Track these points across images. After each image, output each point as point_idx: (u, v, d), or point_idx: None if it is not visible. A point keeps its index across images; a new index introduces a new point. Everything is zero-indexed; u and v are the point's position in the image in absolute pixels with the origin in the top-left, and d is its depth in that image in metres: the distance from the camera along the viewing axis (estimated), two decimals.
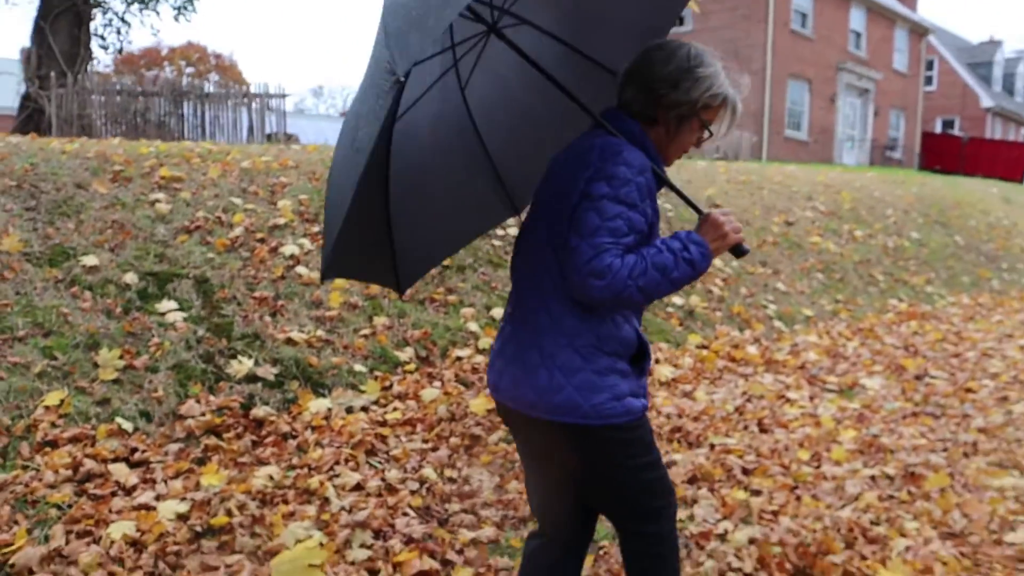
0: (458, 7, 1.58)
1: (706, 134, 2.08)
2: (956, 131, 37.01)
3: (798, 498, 3.75)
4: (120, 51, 16.02)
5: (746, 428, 4.54)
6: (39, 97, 12.93)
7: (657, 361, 5.28)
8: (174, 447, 3.40)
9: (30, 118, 13.14)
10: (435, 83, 2.24)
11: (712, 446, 4.20)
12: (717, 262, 7.16)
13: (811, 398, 5.28)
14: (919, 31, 31.82)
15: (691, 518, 3.42)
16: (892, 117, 30.82)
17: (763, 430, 4.58)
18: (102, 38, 15.50)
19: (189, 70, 48.94)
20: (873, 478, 4.07)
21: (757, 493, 3.75)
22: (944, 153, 31.00)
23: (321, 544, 2.84)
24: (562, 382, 1.92)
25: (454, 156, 2.46)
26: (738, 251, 2.04)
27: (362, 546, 2.91)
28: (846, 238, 9.37)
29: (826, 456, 4.29)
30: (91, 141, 6.66)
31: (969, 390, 5.84)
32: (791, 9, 24.54)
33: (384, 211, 2.30)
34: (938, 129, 37.65)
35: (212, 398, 3.74)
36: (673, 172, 9.06)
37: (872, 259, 9.10)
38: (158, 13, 15.32)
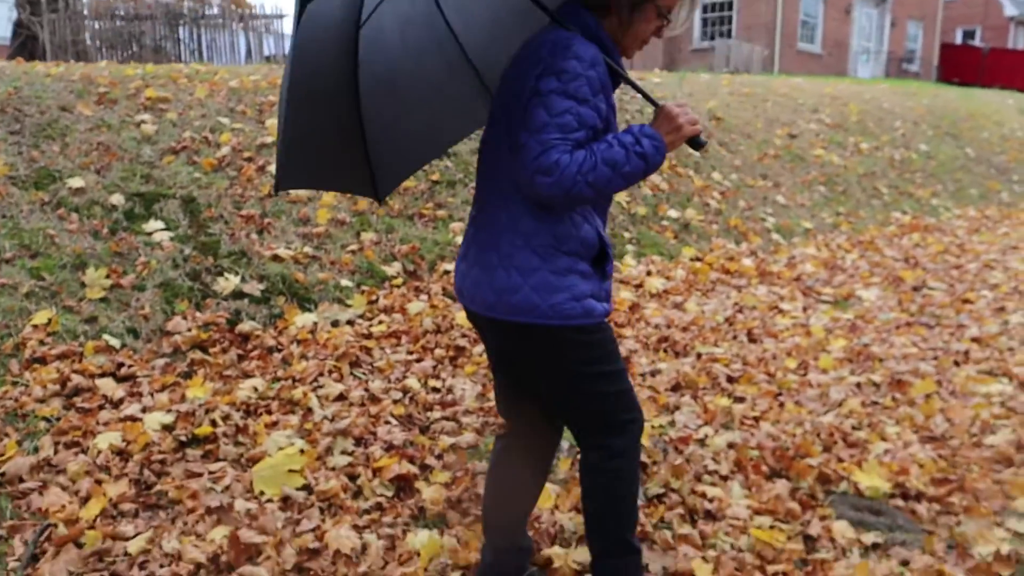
0: None
1: (664, 23, 2.00)
2: (977, 42, 35.90)
3: (781, 405, 3.79)
4: None
5: (735, 338, 4.55)
6: (31, 23, 12.72)
7: (649, 273, 5.27)
8: (160, 362, 3.45)
9: (23, 45, 12.95)
10: None
11: (699, 355, 4.23)
12: (715, 175, 7.08)
13: (804, 309, 5.28)
14: None
15: (672, 424, 3.46)
16: (910, 28, 29.89)
17: (752, 340, 4.60)
18: None
19: None
20: (859, 385, 4.09)
21: (740, 400, 3.78)
22: (963, 65, 30.12)
23: (302, 451, 2.90)
24: (519, 282, 1.91)
25: (427, 58, 2.39)
26: (695, 143, 1.99)
27: (343, 453, 2.98)
28: (851, 151, 9.21)
29: (813, 364, 4.31)
30: (77, 65, 6.58)
31: (967, 301, 5.82)
32: None
33: (356, 119, 2.27)
34: (958, 40, 36.51)
35: (199, 314, 3.78)
36: (674, 85, 8.89)
37: (877, 172, 8.96)
38: None
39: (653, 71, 11.24)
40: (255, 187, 4.77)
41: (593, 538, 2.17)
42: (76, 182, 4.40)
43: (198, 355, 3.53)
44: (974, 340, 4.96)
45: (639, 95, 2.09)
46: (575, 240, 1.93)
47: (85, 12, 12.87)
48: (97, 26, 12.66)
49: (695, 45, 24.58)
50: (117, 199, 4.37)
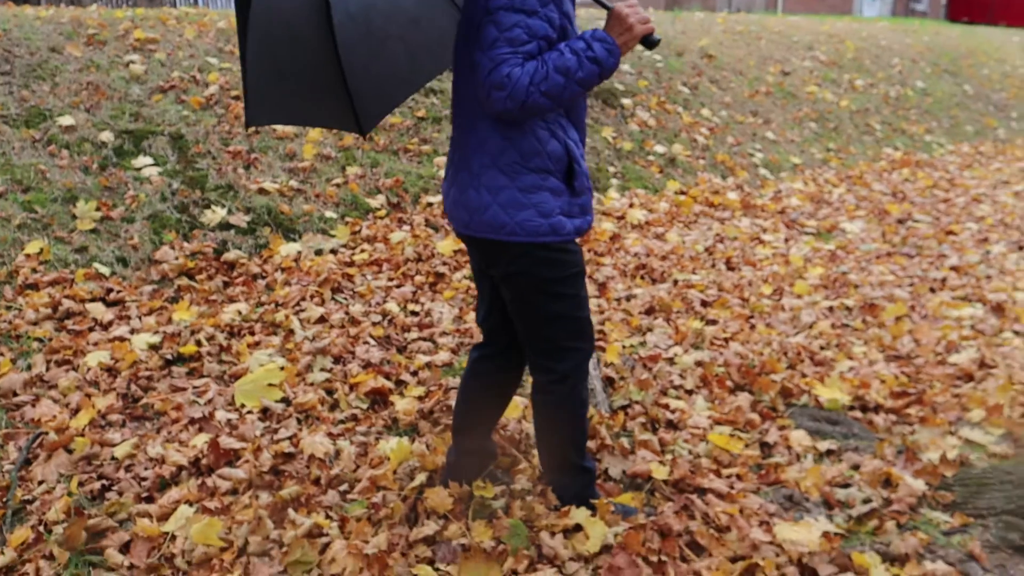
0: None
1: None
2: None
3: (752, 327, 3.90)
4: None
5: (713, 266, 4.65)
6: None
7: (632, 206, 5.35)
8: (148, 288, 3.58)
9: None
10: None
11: (676, 282, 4.33)
12: (704, 112, 7.10)
13: (786, 240, 5.36)
14: None
15: (643, 344, 3.58)
16: None
17: (730, 268, 4.69)
18: None
19: None
20: (831, 309, 4.20)
21: (713, 323, 3.90)
22: (972, 3, 29.53)
23: (282, 368, 3.04)
24: (488, 200, 1.99)
25: None
26: (648, 42, 2.00)
27: (322, 370, 3.12)
28: (845, 87, 9.18)
29: (789, 290, 4.40)
30: (67, 8, 6.60)
31: (951, 232, 5.88)
32: None
33: (333, 58, 2.32)
34: None
35: (186, 244, 3.90)
36: (667, 23, 8.84)
37: (871, 108, 8.94)
38: None
39: (648, 9, 11.13)
40: (242, 124, 4.85)
41: (542, 454, 2.30)
42: (66, 120, 4.48)
43: (185, 282, 3.66)
44: (953, 268, 5.05)
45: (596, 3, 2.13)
46: (541, 156, 1.98)
47: None
48: None
49: None
50: (107, 136, 4.46)
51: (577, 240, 2.13)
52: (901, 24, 14.60)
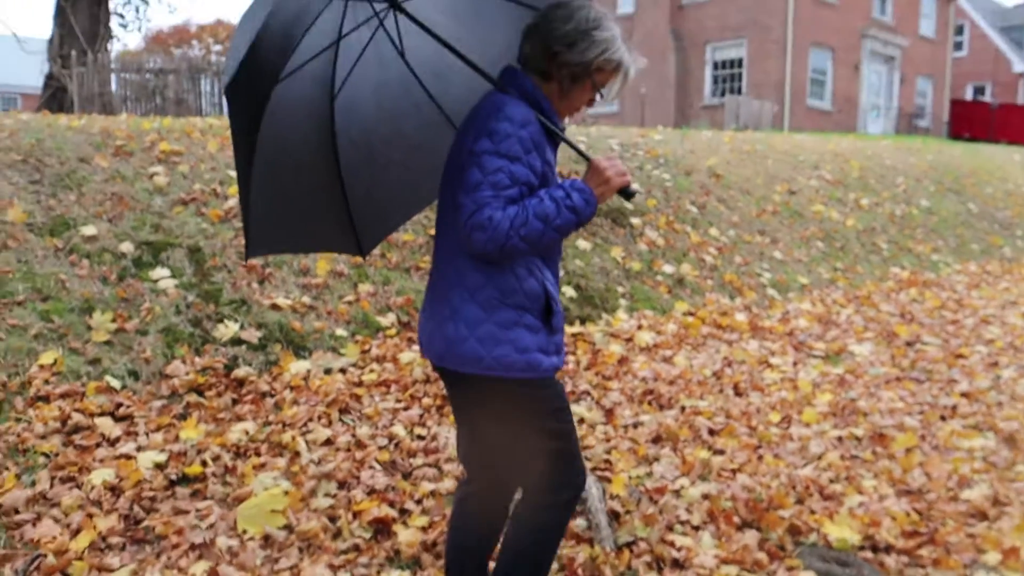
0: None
1: (598, 96, 2.14)
2: (987, 97, 36.19)
3: (760, 457, 3.87)
4: (140, 29, 16.32)
5: (721, 391, 4.65)
6: (61, 76, 13.21)
7: (640, 327, 5.39)
8: (158, 403, 3.60)
9: (53, 97, 13.44)
10: (360, 56, 2.35)
11: (683, 408, 4.32)
12: (712, 231, 7.22)
13: (794, 363, 5.36)
14: None
15: (649, 475, 3.56)
16: (920, 84, 30.24)
17: (738, 393, 4.68)
18: (121, 16, 15.74)
19: (217, 47, 49.34)
20: (840, 439, 4.16)
21: (720, 452, 3.87)
22: (973, 120, 30.38)
23: (286, 492, 3.02)
24: (465, 333, 2.02)
25: (404, 120, 2.54)
26: (626, 194, 2.09)
27: (326, 495, 3.10)
28: (851, 207, 9.35)
29: (797, 418, 4.38)
30: (98, 117, 6.87)
31: (960, 356, 5.87)
32: None
33: (336, 184, 2.44)
34: (969, 96, 36.83)
35: (197, 359, 3.94)
36: (676, 142, 9.10)
37: (877, 227, 9.08)
38: None
39: (657, 127, 11.47)
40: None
41: (501, 563, 2.21)
42: (89, 230, 4.61)
43: (194, 398, 3.68)
44: (963, 395, 5.02)
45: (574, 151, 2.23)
46: (519, 293, 2.03)
47: (112, 66, 13.35)
48: (123, 78, 13.11)
49: (706, 101, 24.99)
50: (127, 247, 4.57)
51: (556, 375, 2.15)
52: (905, 142, 14.97)
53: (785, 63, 23.48)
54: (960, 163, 13.12)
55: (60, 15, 13.64)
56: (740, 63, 24.46)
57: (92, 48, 13.34)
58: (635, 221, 6.73)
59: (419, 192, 2.72)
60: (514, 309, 2.03)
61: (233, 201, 5.24)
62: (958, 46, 36.51)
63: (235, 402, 3.74)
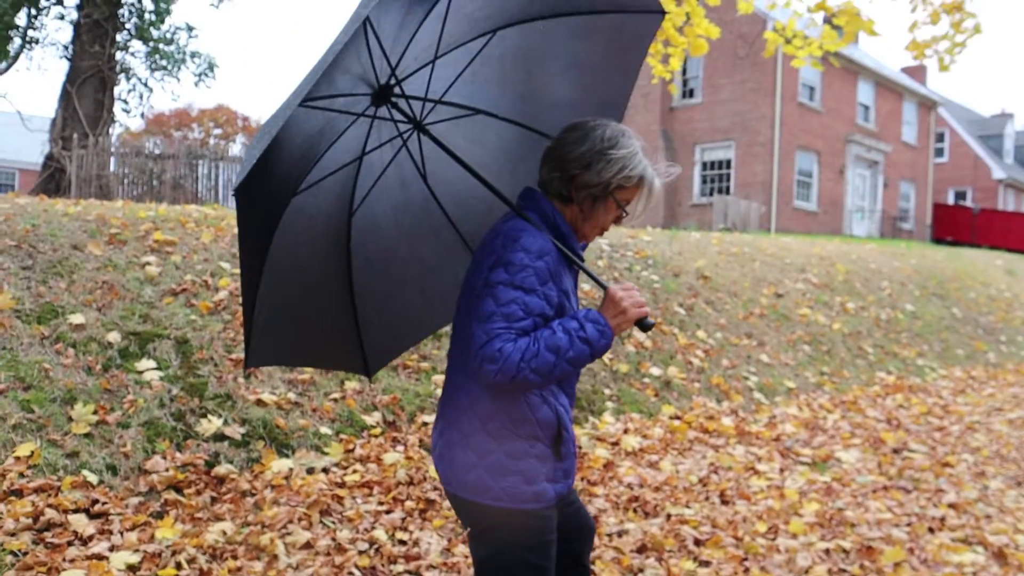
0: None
1: (624, 213, 2.11)
2: (968, 202, 37.16)
3: (746, 570, 3.80)
4: (142, 115, 16.70)
5: (707, 499, 4.59)
6: (61, 157, 13.43)
7: (626, 431, 5.36)
8: (135, 500, 3.53)
9: (52, 177, 13.64)
10: (382, 174, 2.36)
11: (668, 516, 4.26)
12: (700, 333, 7.27)
13: (781, 470, 5.32)
14: (928, 104, 32.25)
15: None
16: (903, 188, 31.04)
17: (725, 501, 4.63)
18: (125, 102, 16.11)
19: (217, 131, 50.32)
20: (828, 551, 4.10)
21: (706, 564, 3.80)
22: (955, 224, 31.17)
23: None
24: (474, 461, 2.00)
25: (422, 242, 2.53)
26: (643, 325, 2.04)
27: None
28: (837, 310, 9.45)
29: (784, 528, 4.32)
30: (95, 203, 6.94)
31: (947, 464, 5.85)
32: (799, 83, 25.04)
33: (348, 301, 2.43)
34: (951, 200, 37.82)
35: (178, 455, 3.88)
36: (664, 243, 9.24)
37: (863, 331, 9.16)
38: (179, 80, 15.95)
39: (646, 228, 11.67)
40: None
41: None
42: (77, 318, 4.60)
43: (172, 495, 3.61)
44: (951, 506, 4.98)
45: (590, 278, 2.24)
46: (531, 423, 2.01)
47: (112, 149, 13.59)
48: (121, 162, 13.33)
49: (695, 200, 25.52)
50: (114, 337, 4.56)
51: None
52: (889, 246, 15.25)
53: (772, 165, 24.10)
54: (943, 267, 13.35)
55: (65, 98, 13.97)
56: (728, 164, 25.10)
57: (94, 132, 13.60)
58: None
59: (432, 315, 2.69)
60: (525, 439, 2.00)
61: (224, 293, 5.26)
62: (939, 152, 37.71)
63: (214, 500, 3.67)
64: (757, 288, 8.93)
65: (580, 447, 5.01)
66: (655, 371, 6.28)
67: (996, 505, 5.05)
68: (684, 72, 25.81)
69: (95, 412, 3.99)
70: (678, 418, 5.82)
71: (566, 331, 1.92)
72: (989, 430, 6.94)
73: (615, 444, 5.10)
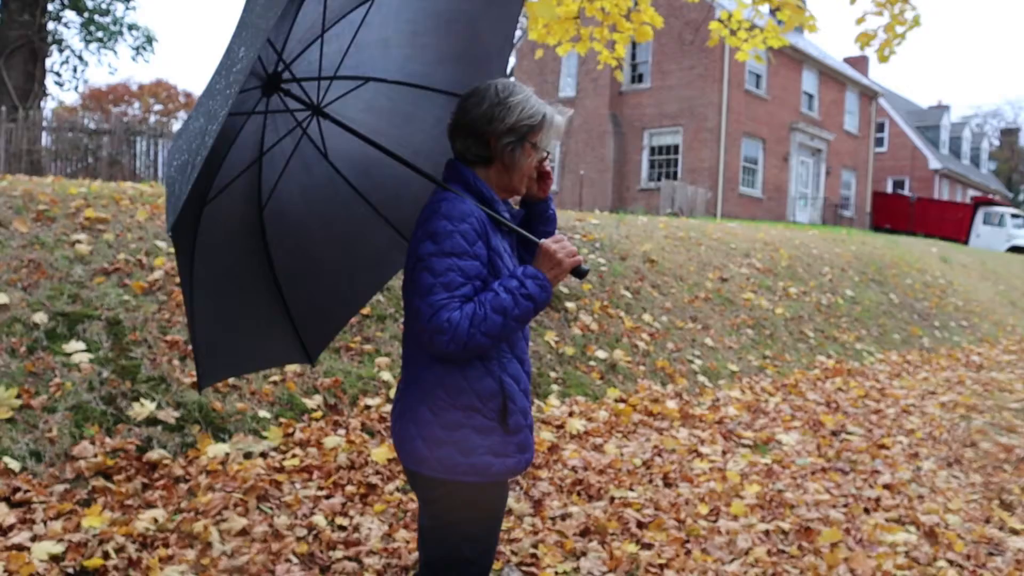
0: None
1: (542, 153, 2.18)
2: (906, 191, 38.16)
3: (688, 552, 3.82)
4: (77, 88, 16.12)
5: (651, 482, 4.61)
6: None
7: (571, 414, 5.35)
8: (60, 488, 3.39)
9: None
10: (286, 165, 2.34)
11: (612, 499, 4.26)
12: (646, 317, 7.29)
13: (723, 453, 5.37)
14: (869, 94, 32.95)
15: (576, 570, 3.47)
16: (844, 176, 31.70)
17: (668, 484, 4.65)
18: (58, 75, 15.51)
19: (158, 107, 48.97)
20: (768, 533, 4.15)
21: (648, 547, 3.81)
22: (893, 212, 31.99)
23: None
24: (414, 432, 2.03)
25: (335, 220, 2.54)
26: (578, 272, 2.11)
27: None
28: (780, 295, 9.59)
29: (725, 510, 4.36)
30: (22, 179, 6.65)
31: (883, 446, 5.98)
32: (746, 70, 25.33)
33: (277, 296, 2.41)
34: (890, 188, 38.79)
35: (108, 440, 3.74)
36: (612, 227, 9.25)
37: (804, 316, 9.31)
38: (115, 53, 15.41)
39: (594, 211, 11.68)
40: (184, 313, 4.81)
41: None
42: (0, 298, 4.40)
43: (101, 482, 3.48)
44: (886, 487, 5.08)
45: (519, 236, 2.22)
46: (468, 393, 2.01)
47: (44, 123, 13.08)
48: (53, 138, 12.85)
49: (642, 185, 25.70)
50: (40, 318, 4.37)
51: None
52: (830, 233, 15.53)
53: (719, 151, 24.38)
54: (882, 254, 13.65)
55: None
56: (676, 149, 25.31)
57: (24, 105, 13.07)
58: (570, 305, 6.75)
59: (358, 288, 2.74)
60: (461, 410, 2.01)
61: (159, 273, 5.08)
62: (879, 142, 38.58)
63: (145, 487, 3.54)
64: (702, 272, 9.01)
65: None
66: (601, 354, 6.29)
67: (928, 485, 5.18)
68: (633, 57, 25.91)
69: (18, 396, 3.82)
70: (623, 401, 5.83)
71: (508, 291, 1.96)
72: (923, 413, 7.11)
73: (560, 427, 5.09)
